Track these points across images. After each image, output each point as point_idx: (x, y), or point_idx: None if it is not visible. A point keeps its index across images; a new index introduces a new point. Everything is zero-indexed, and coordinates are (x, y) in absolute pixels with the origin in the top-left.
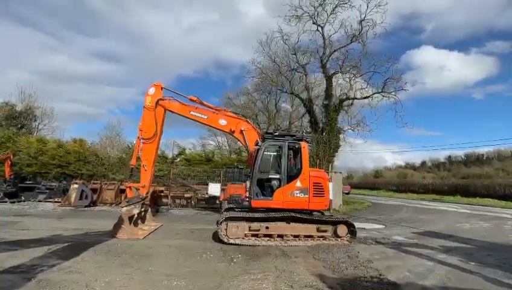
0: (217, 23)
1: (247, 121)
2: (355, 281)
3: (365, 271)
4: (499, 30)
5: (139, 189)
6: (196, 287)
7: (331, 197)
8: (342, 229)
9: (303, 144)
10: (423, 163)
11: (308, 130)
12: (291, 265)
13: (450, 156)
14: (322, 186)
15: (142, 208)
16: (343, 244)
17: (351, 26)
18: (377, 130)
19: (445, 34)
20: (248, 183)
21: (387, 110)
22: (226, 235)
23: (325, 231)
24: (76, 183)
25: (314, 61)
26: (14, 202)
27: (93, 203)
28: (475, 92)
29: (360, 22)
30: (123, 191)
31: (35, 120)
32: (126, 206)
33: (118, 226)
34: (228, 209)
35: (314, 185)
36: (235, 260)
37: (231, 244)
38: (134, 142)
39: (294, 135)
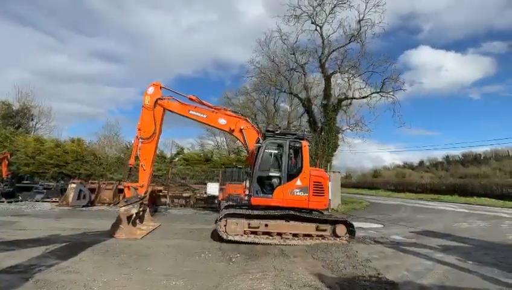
0: (216, 23)
1: (246, 119)
2: (354, 280)
3: (364, 270)
4: (496, 30)
5: (137, 189)
6: (195, 287)
7: (330, 196)
8: (341, 229)
9: (304, 142)
10: (421, 163)
11: (307, 130)
12: (290, 264)
13: (447, 156)
14: (322, 185)
15: (140, 207)
16: (341, 244)
17: (350, 26)
18: (375, 130)
19: (442, 34)
20: (247, 182)
21: (385, 110)
22: (225, 231)
23: (324, 230)
24: (74, 183)
25: (313, 61)
26: (11, 202)
27: (91, 203)
28: (472, 92)
29: (359, 21)
30: (121, 190)
31: (32, 119)
32: (124, 206)
33: (116, 226)
34: (228, 207)
35: (314, 184)
36: (233, 260)
37: (230, 241)
38: (133, 141)
39: (295, 134)
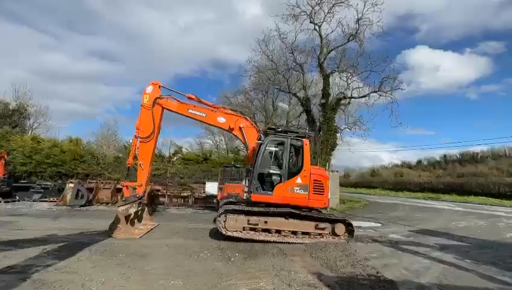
0: (214, 22)
1: (245, 118)
2: (353, 279)
3: (362, 269)
4: (492, 31)
5: (135, 188)
6: (193, 287)
7: (329, 195)
8: (340, 228)
9: (305, 141)
10: (419, 162)
11: (309, 128)
12: (289, 264)
13: (445, 155)
14: (322, 184)
15: (138, 207)
16: (340, 243)
17: (348, 25)
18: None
19: (439, 34)
20: (246, 181)
21: (383, 109)
22: (225, 227)
23: (323, 229)
24: (72, 182)
25: (312, 60)
26: (8, 202)
27: (89, 203)
28: (469, 91)
29: (357, 21)
30: (119, 190)
31: (29, 118)
32: (123, 205)
33: (114, 225)
34: (227, 203)
35: (314, 183)
36: (232, 259)
37: (229, 237)
38: (131, 141)
39: (297, 132)
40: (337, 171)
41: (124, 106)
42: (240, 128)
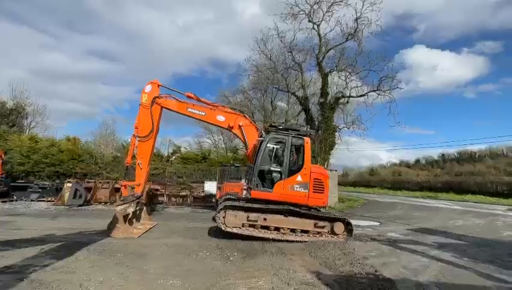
0: (213, 22)
1: (245, 116)
2: (351, 277)
3: (361, 268)
4: (489, 30)
5: (134, 187)
6: (192, 286)
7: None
8: (339, 227)
9: (306, 139)
10: (417, 161)
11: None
12: (288, 262)
13: (443, 154)
14: (322, 182)
15: (137, 206)
16: (339, 242)
17: (347, 24)
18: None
19: (437, 34)
20: (245, 181)
21: (382, 109)
22: (224, 223)
23: (322, 228)
24: (70, 182)
25: (310, 59)
26: (5, 202)
27: (87, 202)
28: (467, 91)
29: (356, 20)
30: (118, 189)
31: (26, 118)
32: (121, 205)
33: (112, 225)
34: (227, 199)
35: (314, 181)
36: (231, 258)
37: (228, 233)
38: (130, 140)
39: (298, 130)
40: (336, 170)
41: (122, 106)
42: (240, 126)
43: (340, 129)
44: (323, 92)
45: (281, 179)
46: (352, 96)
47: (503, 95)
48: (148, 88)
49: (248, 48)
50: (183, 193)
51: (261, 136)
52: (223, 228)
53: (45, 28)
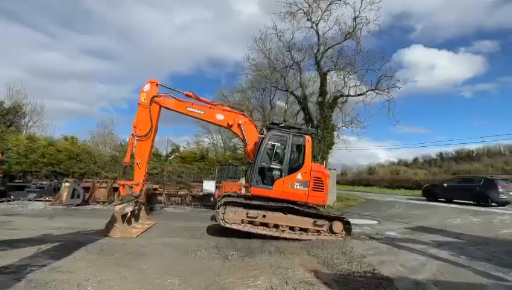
0: (210, 21)
1: (244, 114)
2: (349, 276)
3: (359, 266)
4: (486, 30)
5: (132, 187)
6: (190, 285)
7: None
8: (338, 226)
9: (307, 137)
10: (415, 160)
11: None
12: (286, 261)
13: (441, 153)
14: (322, 181)
15: (135, 206)
16: (337, 241)
17: (345, 23)
18: (370, 128)
19: (434, 33)
20: (243, 180)
21: (380, 108)
22: (223, 219)
23: (320, 226)
24: (67, 181)
25: (309, 58)
26: (3, 201)
27: (86, 202)
28: (464, 90)
29: (354, 19)
30: (116, 189)
31: (24, 117)
32: (119, 204)
33: (110, 224)
34: (226, 196)
35: (314, 179)
36: (229, 258)
37: (227, 229)
38: (128, 139)
39: (299, 128)
40: (335, 169)
41: (120, 105)
42: (239, 124)
43: (339, 128)
44: (322, 91)
45: (281, 176)
46: (350, 96)
47: (500, 94)
48: (146, 87)
49: (246, 46)
50: (182, 192)
51: (262, 134)
52: (222, 224)
53: (42, 27)
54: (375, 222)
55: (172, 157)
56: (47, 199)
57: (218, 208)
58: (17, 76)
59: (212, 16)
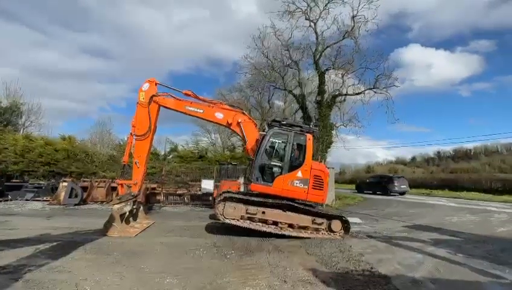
0: (208, 20)
1: (243, 112)
2: (347, 274)
3: (357, 265)
4: (483, 29)
5: (131, 186)
6: (189, 285)
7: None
8: (337, 225)
9: (309, 136)
10: (413, 158)
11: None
12: (285, 260)
13: (438, 152)
14: (322, 179)
15: (134, 205)
16: (335, 239)
17: (344, 22)
18: (368, 127)
19: (431, 33)
20: (242, 179)
21: (378, 107)
22: (223, 214)
23: (319, 224)
24: (65, 181)
25: (307, 57)
26: (0, 201)
27: (84, 202)
28: (461, 89)
29: (353, 17)
30: (114, 188)
31: (21, 117)
32: (117, 203)
33: (109, 224)
34: (226, 192)
35: (314, 178)
36: (228, 256)
37: (226, 227)
38: (126, 138)
39: (301, 126)
40: (333, 168)
41: (118, 104)
42: (238, 123)
43: (337, 127)
44: (320, 90)
45: (281, 173)
46: (349, 94)
47: (497, 93)
48: (145, 86)
49: (245, 45)
50: (180, 192)
51: (264, 130)
52: (222, 219)
53: (39, 26)
54: (374, 221)
55: (170, 156)
56: (45, 198)
57: (218, 203)
58: (14, 75)
59: (210, 14)
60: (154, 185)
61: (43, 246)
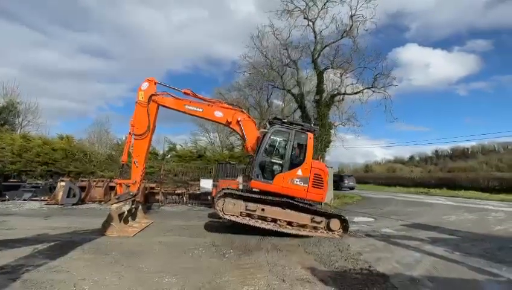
0: (207, 20)
1: (242, 111)
2: (346, 273)
3: (355, 263)
4: (480, 29)
5: (129, 186)
6: (188, 284)
7: None
8: (335, 223)
9: (309, 134)
10: (411, 157)
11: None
12: (283, 259)
13: (436, 151)
14: (321, 178)
15: (132, 205)
16: (334, 238)
17: (342, 21)
18: (367, 126)
19: (429, 32)
20: (241, 178)
21: (377, 106)
22: (222, 210)
23: (318, 223)
24: (63, 180)
25: (306, 56)
26: None
27: (82, 201)
28: (459, 88)
29: (351, 17)
30: (112, 188)
31: (18, 116)
32: (116, 203)
33: (107, 223)
34: (226, 188)
35: (314, 176)
36: (227, 256)
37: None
38: (124, 138)
39: (302, 125)
40: (332, 167)
41: (117, 103)
42: (238, 121)
43: (336, 126)
44: (319, 90)
45: (281, 171)
46: (347, 94)
47: (495, 92)
48: (144, 86)
49: (243, 45)
50: (179, 191)
51: (265, 128)
52: (221, 215)
53: (39, 26)
54: (372, 219)
55: (169, 156)
56: (42, 198)
57: (217, 199)
58: (12, 74)
59: (208, 14)
60: (153, 185)
61: (41, 246)
